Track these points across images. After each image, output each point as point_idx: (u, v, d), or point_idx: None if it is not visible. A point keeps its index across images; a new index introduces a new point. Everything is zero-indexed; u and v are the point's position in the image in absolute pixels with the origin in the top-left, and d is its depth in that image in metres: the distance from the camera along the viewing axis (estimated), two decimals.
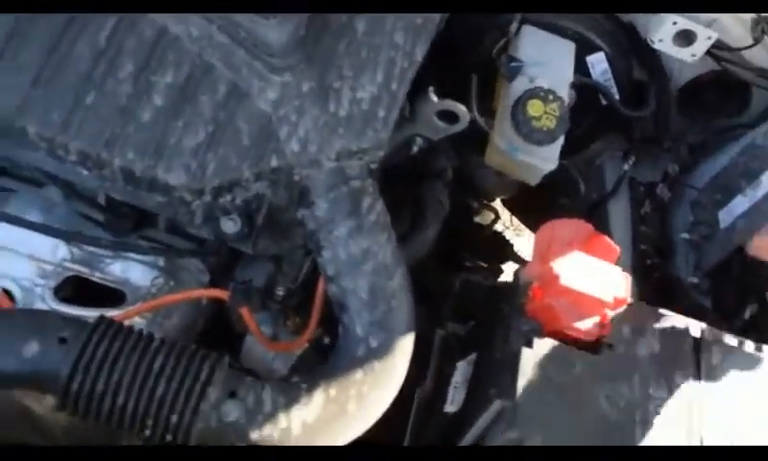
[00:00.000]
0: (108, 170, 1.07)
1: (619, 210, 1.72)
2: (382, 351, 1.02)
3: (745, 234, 1.41)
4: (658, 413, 1.07)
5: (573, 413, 1.03)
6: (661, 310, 1.18)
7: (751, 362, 1.16)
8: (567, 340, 1.08)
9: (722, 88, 1.62)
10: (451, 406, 1.19)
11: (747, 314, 1.40)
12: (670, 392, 1.10)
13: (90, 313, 1.17)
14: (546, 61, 1.44)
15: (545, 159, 1.35)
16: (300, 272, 1.25)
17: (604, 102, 1.58)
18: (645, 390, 1.08)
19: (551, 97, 1.34)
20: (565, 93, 1.40)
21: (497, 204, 2.21)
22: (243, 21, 1.13)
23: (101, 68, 1.09)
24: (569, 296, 1.06)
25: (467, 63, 1.55)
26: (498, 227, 2.26)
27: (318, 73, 1.13)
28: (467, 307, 1.36)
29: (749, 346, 1.17)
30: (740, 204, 1.44)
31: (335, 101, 1.12)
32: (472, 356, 1.22)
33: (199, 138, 1.07)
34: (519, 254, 2.15)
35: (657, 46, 1.47)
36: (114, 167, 1.07)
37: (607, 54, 1.54)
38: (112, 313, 1.15)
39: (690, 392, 1.10)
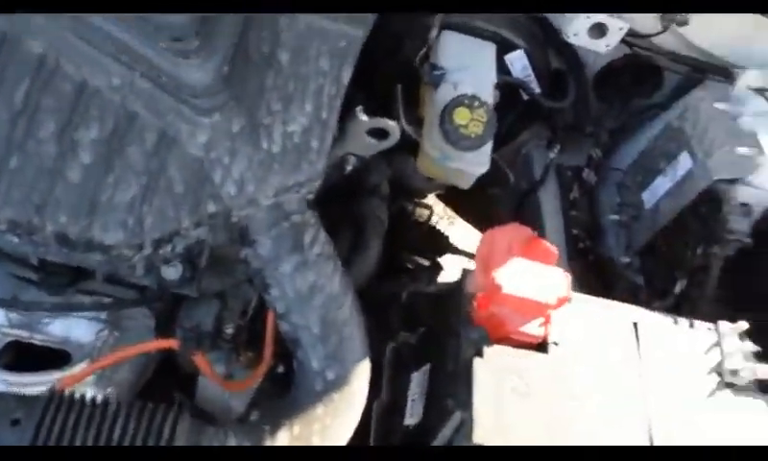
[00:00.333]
0: (41, 236, 1.04)
1: (549, 198, 1.78)
2: (339, 382, 1.04)
3: (669, 214, 1.48)
4: (608, 401, 1.12)
5: (530, 415, 1.06)
6: (598, 299, 1.24)
7: (686, 339, 1.22)
8: (516, 344, 1.12)
9: (635, 71, 1.68)
10: (411, 419, 1.22)
11: (677, 289, 1.47)
12: (616, 378, 1.15)
13: (37, 379, 1.14)
14: (469, 66, 1.46)
15: (476, 164, 1.39)
16: (249, 306, 1.25)
17: (526, 97, 1.62)
18: (593, 380, 1.13)
19: (476, 103, 1.37)
20: (490, 96, 1.44)
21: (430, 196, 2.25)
22: (164, 65, 1.11)
23: (20, 130, 1.05)
24: (513, 303, 1.09)
25: (388, 72, 1.56)
26: (433, 219, 2.30)
27: (247, 111, 1.12)
28: (415, 317, 1.39)
29: (683, 323, 1.23)
30: (662, 184, 1.51)
31: (267, 137, 1.12)
32: (426, 367, 1.24)
33: (132, 192, 1.06)
34: (456, 244, 2.20)
35: (572, 40, 1.52)
36: (47, 232, 1.04)
37: (525, 50, 1.58)
38: (59, 375, 1.13)
39: (635, 376, 1.16)
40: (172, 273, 1.12)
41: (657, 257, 1.56)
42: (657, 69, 1.65)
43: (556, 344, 1.13)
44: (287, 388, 1.12)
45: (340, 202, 1.44)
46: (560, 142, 1.75)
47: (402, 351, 1.35)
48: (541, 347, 1.13)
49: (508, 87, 1.56)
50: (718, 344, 1.20)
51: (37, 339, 1.22)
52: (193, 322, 1.22)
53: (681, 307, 1.46)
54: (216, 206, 1.08)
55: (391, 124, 1.30)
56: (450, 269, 2.17)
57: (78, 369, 1.17)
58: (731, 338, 1.20)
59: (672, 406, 1.14)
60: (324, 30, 1.21)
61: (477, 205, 2.17)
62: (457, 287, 1.22)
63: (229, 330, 1.23)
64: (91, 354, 1.21)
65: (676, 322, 1.23)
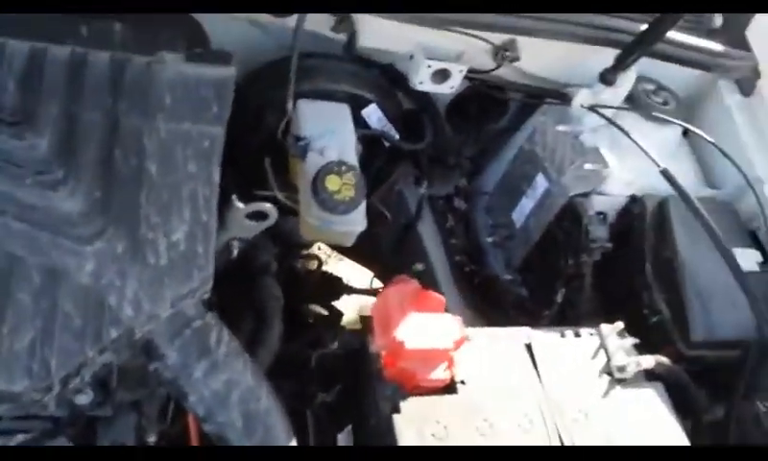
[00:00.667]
0: None
1: (428, 230, 1.87)
2: None
3: (537, 230, 1.61)
4: (517, 423, 1.21)
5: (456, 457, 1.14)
6: (491, 329, 1.34)
7: (574, 348, 1.34)
8: (427, 391, 1.20)
9: (481, 100, 1.81)
10: None
11: (559, 298, 1.60)
12: (520, 399, 1.25)
13: None
14: (329, 130, 1.53)
15: (355, 223, 1.46)
16: (167, 409, 1.26)
17: (387, 144, 1.71)
18: (502, 405, 1.23)
19: (344, 168, 1.43)
20: (354, 155, 1.51)
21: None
22: (34, 201, 1.11)
23: None
24: (417, 355, 1.17)
25: (254, 146, 1.62)
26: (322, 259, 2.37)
27: (127, 230, 1.13)
28: (327, 376, 1.44)
29: (569, 334, 1.35)
30: (526, 204, 1.64)
31: (153, 252, 1.14)
32: (348, 428, 1.30)
33: (30, 337, 1.05)
34: (348, 282, 2.27)
35: (419, 88, 1.63)
36: None
37: (377, 103, 1.67)
38: None
39: (537, 394, 1.26)
40: (83, 399, 1.12)
41: (535, 271, 1.69)
42: (501, 94, 1.77)
43: (463, 382, 1.22)
44: None
45: (233, 284, 1.47)
46: (427, 177, 1.84)
47: (321, 413, 1.40)
48: (450, 388, 1.21)
49: (370, 139, 1.64)
50: (602, 346, 1.33)
51: None
52: (113, 439, 1.22)
53: (565, 313, 1.60)
54: (117, 330, 1.09)
55: (267, 206, 1.34)
56: (348, 309, 2.25)
57: None
58: (612, 338, 1.34)
59: (575, 414, 1.25)
60: (186, 133, 1.24)
61: (361, 244, 2.24)
62: (362, 347, 1.29)
63: (152, 439, 1.23)
64: None
65: (563, 335, 1.35)
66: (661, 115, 1.68)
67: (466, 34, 1.53)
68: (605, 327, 1.36)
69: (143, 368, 1.17)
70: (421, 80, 1.60)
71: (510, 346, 1.31)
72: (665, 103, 1.73)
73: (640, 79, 1.70)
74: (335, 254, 2.89)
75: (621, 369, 1.30)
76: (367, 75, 1.66)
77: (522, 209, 1.65)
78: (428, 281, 1.60)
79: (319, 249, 2.57)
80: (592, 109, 1.62)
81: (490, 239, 1.79)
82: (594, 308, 1.58)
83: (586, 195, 1.55)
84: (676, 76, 1.78)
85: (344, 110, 1.60)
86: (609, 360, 1.32)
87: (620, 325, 1.34)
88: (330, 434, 1.35)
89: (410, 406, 1.17)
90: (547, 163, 1.57)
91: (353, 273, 2.41)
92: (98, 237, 1.12)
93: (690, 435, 1.32)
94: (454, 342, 1.19)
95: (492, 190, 1.79)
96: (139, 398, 1.25)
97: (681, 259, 1.51)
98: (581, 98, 1.63)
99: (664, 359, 1.38)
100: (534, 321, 1.56)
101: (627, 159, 1.59)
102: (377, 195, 1.85)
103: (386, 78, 1.70)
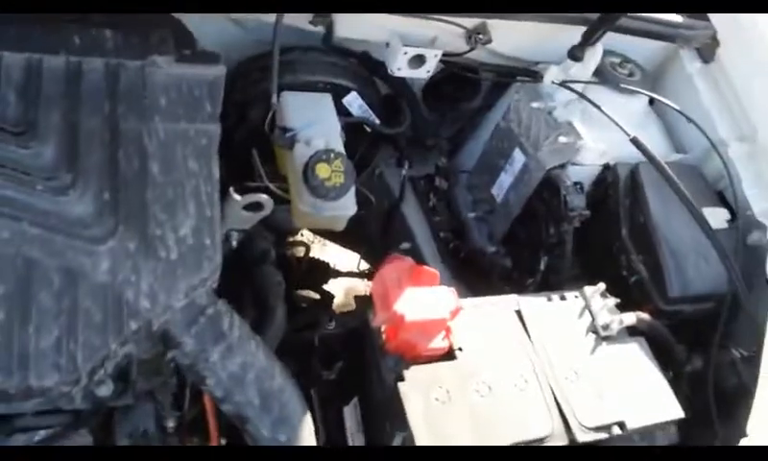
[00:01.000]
0: None
1: (412, 210, 1.95)
2: (291, 441, 1.15)
3: (518, 204, 1.69)
4: (514, 384, 1.30)
5: (457, 419, 1.23)
6: (483, 299, 1.42)
7: (561, 310, 1.43)
8: (427, 360, 1.28)
9: (455, 81, 1.88)
10: None
11: (542, 266, 1.68)
12: (515, 361, 1.34)
13: None
14: (314, 120, 1.59)
15: (346, 207, 1.51)
16: (183, 396, 1.32)
17: (368, 129, 1.78)
18: (498, 368, 1.32)
19: (332, 156, 1.49)
20: (340, 142, 1.58)
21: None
22: (47, 206, 1.16)
23: None
24: (417, 327, 1.25)
25: (241, 138, 1.67)
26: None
27: (137, 228, 1.19)
28: (330, 356, 1.51)
29: (555, 298, 1.44)
30: (505, 179, 1.72)
31: (163, 247, 1.20)
32: (354, 400, 1.38)
33: (55, 334, 1.10)
34: (336, 267, 2.34)
35: (397, 73, 1.69)
36: None
37: (357, 91, 1.73)
38: None
39: (530, 356, 1.35)
40: (105, 390, 1.18)
41: (518, 242, 1.77)
42: (474, 73, 1.84)
43: (460, 349, 1.31)
44: None
45: (235, 273, 1.53)
46: (407, 158, 1.92)
47: (325, 390, 1.48)
48: (449, 355, 1.30)
49: (351, 126, 1.71)
50: (587, 307, 1.42)
51: None
52: (134, 426, 1.28)
53: (549, 280, 1.68)
54: (137, 323, 1.15)
55: (263, 197, 1.40)
56: (337, 292, 2.32)
57: None
58: (595, 299, 1.43)
59: (566, 372, 1.35)
60: (184, 132, 1.29)
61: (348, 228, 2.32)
62: (362, 324, 1.36)
63: (172, 424, 1.30)
64: None
65: (550, 299, 1.44)
66: (628, 86, 1.76)
67: (439, 19, 1.60)
68: (588, 288, 1.45)
69: (159, 357, 1.24)
70: (399, 66, 1.67)
71: (501, 312, 1.40)
72: (631, 74, 1.82)
73: (607, 53, 1.77)
74: (318, 239, 2.97)
75: (606, 327, 1.39)
76: (346, 64, 1.72)
77: (502, 184, 1.73)
78: (416, 259, 1.67)
79: (302, 235, 2.64)
80: (563, 84, 1.69)
81: (472, 215, 1.86)
82: (576, 274, 1.67)
83: (562, 167, 1.63)
84: (640, 48, 1.86)
85: (327, 100, 1.65)
86: (593, 320, 1.41)
87: (602, 286, 1.43)
88: (335, 408, 1.42)
89: (413, 375, 1.25)
90: (523, 139, 1.65)
91: (338, 257, 2.49)
92: (110, 237, 1.18)
93: (672, 384, 1.42)
94: (450, 312, 1.27)
95: (472, 168, 1.87)
96: (154, 386, 1.32)
97: (654, 222, 1.59)
98: (551, 75, 1.71)
99: (645, 316, 1.48)
100: (519, 289, 1.63)
101: (599, 131, 1.67)
102: (360, 179, 1.92)
103: (364, 66, 1.77)
